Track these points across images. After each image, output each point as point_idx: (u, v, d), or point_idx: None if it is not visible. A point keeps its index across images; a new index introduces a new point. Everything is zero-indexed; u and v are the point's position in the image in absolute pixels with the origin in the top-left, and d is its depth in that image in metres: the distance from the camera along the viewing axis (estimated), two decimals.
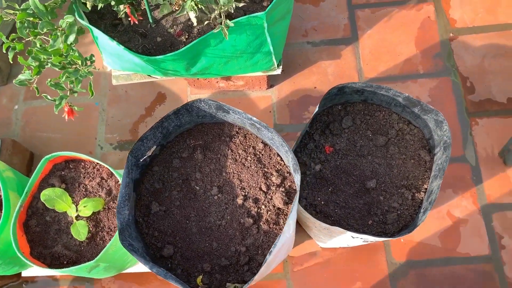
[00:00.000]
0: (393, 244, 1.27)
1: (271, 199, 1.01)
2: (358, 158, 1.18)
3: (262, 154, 1.05)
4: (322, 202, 1.15)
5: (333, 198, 1.15)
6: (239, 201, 1.01)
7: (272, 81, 1.49)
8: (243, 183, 1.03)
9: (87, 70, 1.02)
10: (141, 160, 0.98)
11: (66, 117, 1.03)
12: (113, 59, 1.31)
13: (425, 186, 1.13)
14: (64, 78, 0.94)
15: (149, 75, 1.36)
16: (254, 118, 0.93)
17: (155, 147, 1.00)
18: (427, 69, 1.45)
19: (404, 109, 1.16)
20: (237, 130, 1.07)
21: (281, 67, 1.35)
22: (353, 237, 1.05)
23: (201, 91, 1.50)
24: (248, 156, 1.05)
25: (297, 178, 0.92)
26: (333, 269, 1.26)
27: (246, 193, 1.02)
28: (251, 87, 1.46)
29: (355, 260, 1.26)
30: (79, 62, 0.94)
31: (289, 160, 0.98)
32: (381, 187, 1.15)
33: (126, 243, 0.87)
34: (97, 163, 1.08)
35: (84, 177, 1.07)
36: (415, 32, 1.50)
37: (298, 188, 0.91)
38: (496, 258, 1.23)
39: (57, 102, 1.03)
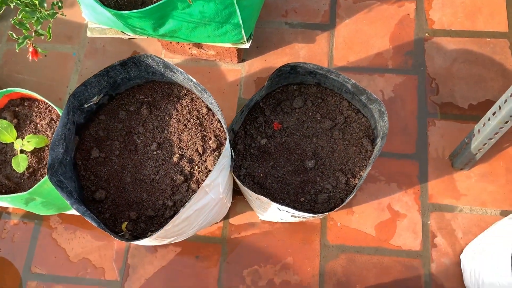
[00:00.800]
0: (330, 227, 1.31)
1: (205, 161, 1.05)
2: (303, 138, 1.22)
3: (205, 119, 1.09)
4: (261, 175, 1.19)
5: (272, 172, 1.19)
6: (175, 159, 1.06)
7: (244, 56, 1.52)
8: (182, 143, 1.07)
9: (48, 13, 1.06)
10: (85, 106, 1.02)
11: (30, 57, 1.07)
12: (89, 11, 1.35)
13: (361, 173, 1.16)
14: (20, 16, 0.99)
15: (122, 32, 1.40)
16: (195, 80, 0.97)
17: (101, 95, 1.04)
18: (396, 65, 1.47)
19: (353, 97, 1.19)
20: (185, 92, 1.11)
21: (250, 41, 1.38)
22: (279, 209, 1.09)
23: (174, 56, 1.53)
24: (191, 118, 1.09)
25: (227, 144, 0.96)
26: (268, 241, 1.31)
27: (183, 153, 1.06)
28: (222, 58, 1.50)
29: (291, 237, 1.30)
30: (37, 2, 0.98)
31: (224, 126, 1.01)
32: (319, 168, 1.19)
33: (55, 179, 0.91)
34: (50, 105, 1.12)
35: (36, 116, 1.12)
36: (392, 27, 1.52)
37: (225, 153, 0.95)
38: (426, 255, 1.26)
39: (20, 41, 1.07)
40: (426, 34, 1.50)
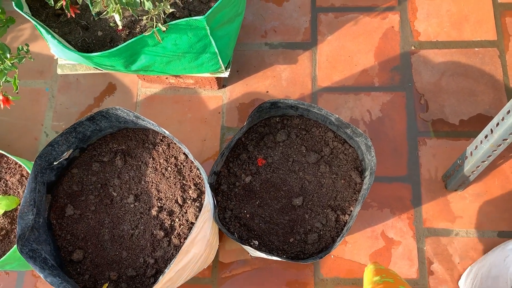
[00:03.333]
0: (323, 261, 1.26)
1: (185, 212, 1.00)
2: (289, 173, 1.17)
3: (183, 166, 1.04)
4: (248, 215, 1.14)
5: (259, 212, 1.14)
6: (154, 212, 1.01)
7: (225, 81, 1.46)
8: (160, 194, 1.02)
9: (12, 63, 1.00)
10: (55, 163, 0.96)
11: (1, 106, 1.01)
12: (57, 49, 1.28)
13: (351, 208, 1.11)
14: None
15: (95, 67, 1.33)
16: (167, 132, 0.91)
17: (71, 150, 0.98)
18: (382, 82, 1.41)
19: (338, 129, 1.13)
20: (161, 138, 1.05)
21: (229, 69, 1.32)
22: (267, 256, 1.04)
23: (152, 85, 1.47)
24: (168, 167, 1.03)
25: (207, 198, 0.90)
26: (260, 278, 1.26)
27: (162, 204, 1.01)
28: (202, 85, 1.43)
29: (284, 273, 1.26)
30: (2, 54, 0.92)
31: (204, 176, 0.96)
32: (307, 205, 1.14)
33: (26, 249, 0.86)
34: (17, 162, 1.07)
35: (5, 173, 1.06)
36: (376, 41, 1.46)
37: (207, 207, 0.90)
38: (423, 283, 1.22)
39: None
40: (412, 47, 1.44)
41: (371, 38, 1.46)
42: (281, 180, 1.16)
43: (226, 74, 1.31)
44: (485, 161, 1.15)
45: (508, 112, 1.03)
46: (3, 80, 1.01)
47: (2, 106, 1.00)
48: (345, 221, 1.10)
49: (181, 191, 1.01)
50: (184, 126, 1.42)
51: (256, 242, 1.07)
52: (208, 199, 0.90)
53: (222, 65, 1.29)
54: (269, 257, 1.02)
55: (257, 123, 1.19)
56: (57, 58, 1.36)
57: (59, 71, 1.34)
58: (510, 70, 1.39)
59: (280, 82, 1.44)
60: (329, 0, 1.52)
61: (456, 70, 1.40)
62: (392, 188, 1.31)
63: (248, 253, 1.28)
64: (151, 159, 1.03)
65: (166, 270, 0.83)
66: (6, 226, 1.03)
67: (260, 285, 1.26)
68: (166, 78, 1.41)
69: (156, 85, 1.47)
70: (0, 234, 1.01)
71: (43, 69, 1.53)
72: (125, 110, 0.93)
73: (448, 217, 1.27)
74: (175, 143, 1.04)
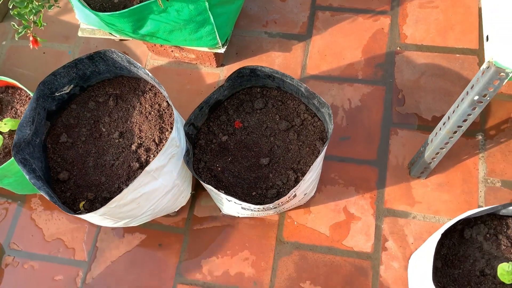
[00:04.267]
0: (287, 225, 1.37)
1: (160, 150, 1.14)
2: (262, 137, 1.29)
3: (165, 112, 1.19)
4: (219, 169, 1.27)
5: (230, 167, 1.27)
6: (134, 147, 1.15)
7: (224, 61, 1.62)
8: (141, 133, 1.17)
9: (39, 4, 1.18)
10: (56, 94, 1.13)
11: (31, 46, 1.18)
12: (80, 12, 1.48)
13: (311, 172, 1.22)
14: (11, 6, 1.10)
15: (110, 33, 1.52)
16: (150, 74, 1.07)
17: (72, 86, 1.15)
18: (366, 76, 1.53)
19: (309, 101, 1.26)
20: (150, 87, 1.21)
21: (226, 46, 1.47)
22: (228, 200, 1.17)
23: (159, 58, 1.64)
24: (152, 111, 1.18)
25: (174, 133, 1.04)
26: (228, 234, 1.38)
27: (142, 142, 1.16)
28: (202, 62, 1.60)
29: (249, 231, 1.37)
30: None
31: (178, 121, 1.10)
32: (273, 166, 1.26)
33: (19, 156, 1.02)
34: (29, 94, 1.25)
35: (17, 102, 1.24)
36: (365, 40, 1.59)
37: (172, 142, 1.04)
38: (376, 258, 1.31)
39: (20, 30, 1.20)
40: (398, 48, 1.56)
41: (361, 37, 1.59)
42: (254, 142, 1.29)
43: (222, 50, 1.47)
44: (443, 148, 1.25)
45: (462, 99, 1.13)
46: (33, 17, 1.19)
47: (31, 46, 1.18)
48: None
49: (159, 132, 1.15)
50: (182, 95, 1.57)
51: (222, 191, 1.19)
52: (176, 135, 1.04)
53: (220, 41, 1.45)
54: (230, 199, 1.14)
55: (239, 90, 1.33)
56: (80, 23, 1.56)
57: (79, 34, 1.53)
58: None
59: (273, 66, 1.58)
60: (328, 0, 1.67)
61: (435, 72, 1.51)
62: (360, 169, 1.41)
63: (220, 211, 1.40)
64: (138, 103, 1.19)
65: (130, 185, 0.96)
66: (10, 145, 1.20)
67: (226, 239, 1.37)
68: (172, 51, 1.59)
69: (163, 58, 1.64)
70: (4, 151, 1.18)
71: (69, 35, 1.74)
72: (120, 54, 1.10)
73: (408, 201, 1.36)
74: (160, 93, 1.19)
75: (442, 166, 1.38)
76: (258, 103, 1.31)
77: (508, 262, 0.99)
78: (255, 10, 1.68)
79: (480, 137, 1.41)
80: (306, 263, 1.32)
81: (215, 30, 1.40)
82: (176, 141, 1.06)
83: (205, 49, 1.48)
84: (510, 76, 1.01)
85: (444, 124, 1.20)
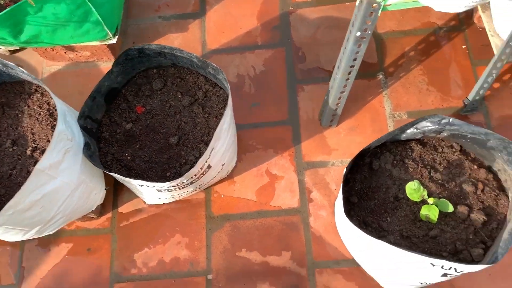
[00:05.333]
0: (214, 200, 1.36)
1: None
2: (167, 117, 1.27)
3: (55, 110, 1.14)
4: (129, 158, 1.24)
5: (140, 154, 1.24)
6: (29, 152, 1.10)
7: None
8: (35, 136, 1.12)
9: None
10: None
11: None
12: None
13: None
14: None
15: None
16: (26, 71, 1.02)
17: None
18: (265, 41, 1.55)
19: (206, 71, 1.25)
20: (36, 87, 1.16)
21: (117, 36, 1.44)
22: (140, 185, 1.14)
23: (55, 63, 1.58)
24: (41, 111, 1.13)
25: (59, 126, 1.00)
26: (156, 223, 1.35)
27: (36, 145, 1.11)
28: (99, 58, 1.55)
29: (177, 215, 1.35)
30: None
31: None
32: (184, 143, 1.24)
33: None
34: None
35: None
36: (258, 6, 1.60)
37: (61, 136, 1.00)
38: (304, 211, 1.33)
39: None
40: (290, 8, 1.58)
41: (254, 4, 1.60)
42: (160, 124, 1.27)
43: (114, 40, 1.43)
44: (343, 91, 1.28)
45: (348, 39, 1.16)
46: None
47: None
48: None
49: (52, 131, 1.11)
50: (85, 96, 1.51)
51: (131, 178, 1.16)
52: (65, 128, 1.00)
53: (109, 31, 1.41)
54: (151, 185, 1.11)
55: (135, 75, 1.30)
56: None
57: None
58: (378, 19, 1.53)
59: None
60: None
61: (329, 24, 1.54)
62: (274, 131, 1.43)
63: (144, 202, 1.37)
64: (26, 107, 1.13)
65: (22, 187, 0.92)
66: None
67: (155, 229, 1.34)
68: (65, 53, 1.53)
69: (59, 63, 1.58)
70: None
71: None
72: None
73: (325, 151, 1.39)
74: (47, 92, 1.14)
75: (350, 111, 1.42)
76: (156, 84, 1.28)
77: (412, 181, 1.03)
78: None
79: (380, 76, 1.46)
80: (239, 232, 1.32)
81: (101, 21, 1.36)
82: (67, 135, 1.02)
83: (97, 42, 1.44)
84: (382, 6, 1.05)
85: (338, 68, 1.23)
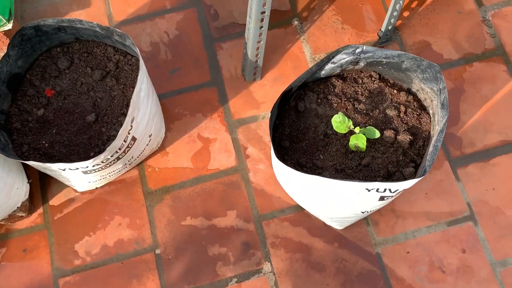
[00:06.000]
0: (149, 175, 1.31)
1: None
2: (80, 96, 1.20)
3: None
4: (47, 145, 1.15)
5: (58, 139, 1.16)
6: None
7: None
8: None
9: None
10: None
11: None
12: None
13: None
14: None
15: None
16: None
17: None
18: (173, 4, 1.48)
19: (112, 40, 1.18)
20: None
21: (12, 21, 1.32)
22: (62, 169, 1.07)
23: None
24: None
25: None
26: (92, 209, 1.28)
27: None
28: None
29: (113, 197, 1.29)
30: None
31: None
32: (103, 120, 1.18)
33: None
34: None
35: None
36: None
37: None
38: (242, 168, 1.31)
39: None
40: None
41: None
42: (74, 104, 1.19)
43: (10, 26, 1.32)
44: (260, 41, 1.25)
45: None
46: None
47: None
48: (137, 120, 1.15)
49: None
50: None
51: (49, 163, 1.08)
52: None
53: (2, 18, 1.29)
54: (73, 167, 1.04)
55: (37, 57, 1.21)
56: None
57: None
58: None
59: None
60: None
61: None
62: (199, 94, 1.39)
63: (76, 191, 1.30)
64: None
65: None
66: None
67: (92, 215, 1.28)
68: None
69: None
70: None
71: None
72: None
73: (253, 105, 1.37)
74: None
75: (272, 62, 1.40)
76: (62, 63, 1.20)
77: (337, 114, 1.04)
78: None
79: (296, 22, 1.45)
80: (180, 201, 1.29)
81: None
82: None
83: None
84: None
85: (250, 17, 1.20)
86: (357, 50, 1.06)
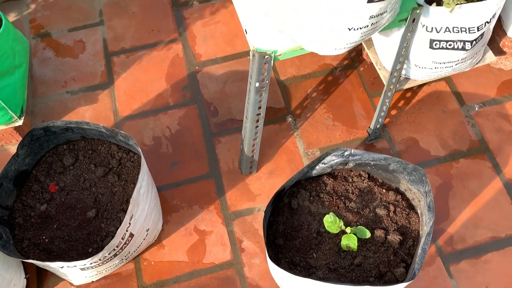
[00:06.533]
0: (145, 268, 1.32)
1: None
2: (82, 192, 1.25)
3: None
4: (47, 240, 1.18)
5: (58, 234, 1.19)
6: None
7: None
8: None
9: None
10: None
11: None
12: None
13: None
14: None
15: None
16: None
17: None
18: (176, 101, 1.58)
19: (116, 139, 1.25)
20: None
21: (23, 118, 1.41)
22: (60, 267, 1.09)
23: None
24: None
25: None
26: None
27: None
28: (8, 141, 1.50)
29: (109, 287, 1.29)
30: None
31: None
32: (103, 215, 1.21)
33: None
34: None
35: None
36: (165, 69, 1.64)
37: None
38: (237, 262, 1.32)
39: None
40: (197, 67, 1.65)
41: (161, 68, 1.65)
42: (76, 200, 1.23)
43: (20, 122, 1.40)
44: (256, 138, 1.33)
45: (249, 90, 1.22)
46: None
47: None
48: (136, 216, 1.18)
49: None
50: None
51: (49, 262, 1.10)
52: None
53: (14, 114, 1.38)
54: (72, 265, 1.06)
55: (44, 154, 1.27)
56: None
57: None
58: (280, 68, 1.64)
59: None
60: (119, 44, 1.70)
61: (235, 77, 1.62)
62: (197, 186, 1.44)
63: (72, 284, 1.30)
64: None
65: None
66: None
67: None
68: None
69: None
70: None
71: None
72: None
73: (249, 198, 1.41)
74: None
75: (267, 156, 1.47)
76: (67, 160, 1.26)
77: (328, 214, 1.08)
78: (50, 74, 1.64)
79: (290, 119, 1.54)
80: None
81: (4, 105, 1.33)
82: None
83: (2, 126, 1.40)
84: (273, 57, 1.13)
85: (246, 117, 1.29)
86: (346, 153, 1.13)
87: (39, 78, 1.64)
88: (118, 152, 1.28)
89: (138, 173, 1.25)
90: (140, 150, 1.15)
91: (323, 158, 1.14)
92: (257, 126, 1.29)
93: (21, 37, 1.49)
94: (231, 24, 1.73)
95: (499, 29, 1.47)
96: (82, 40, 1.71)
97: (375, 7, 1.00)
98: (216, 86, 1.61)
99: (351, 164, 1.17)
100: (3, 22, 1.34)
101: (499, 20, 1.46)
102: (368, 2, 0.97)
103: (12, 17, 1.77)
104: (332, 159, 1.14)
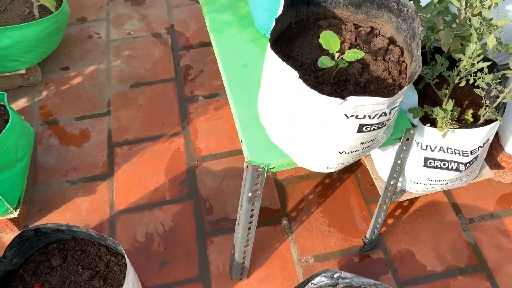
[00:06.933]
0: None
1: None
2: None
3: None
4: None
5: None
6: None
7: (27, 222, 1.55)
8: None
9: None
10: None
11: None
12: None
13: None
14: None
15: None
16: None
17: None
18: (173, 196, 1.59)
19: (106, 242, 1.25)
20: None
21: (19, 209, 1.42)
22: None
23: None
24: None
25: None
26: None
27: None
28: (2, 230, 1.50)
29: None
30: None
31: None
32: None
33: None
34: None
35: None
36: (165, 163, 1.67)
37: None
38: None
39: None
40: (196, 162, 1.67)
41: (161, 161, 1.68)
42: None
43: (15, 214, 1.41)
44: (247, 245, 1.31)
45: (242, 199, 1.22)
46: None
47: None
48: None
49: None
50: None
51: None
52: None
53: (10, 206, 1.40)
54: None
55: (34, 252, 1.26)
56: None
57: None
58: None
59: (80, 213, 1.56)
60: (124, 135, 1.74)
61: (233, 174, 1.63)
62: None
63: None
64: None
65: None
66: None
67: None
68: None
69: None
70: None
71: None
72: None
73: None
74: None
75: (260, 260, 1.44)
76: (56, 260, 1.25)
77: None
78: (53, 163, 1.68)
79: (285, 221, 1.53)
80: None
81: (1, 198, 1.35)
82: None
83: None
84: (267, 169, 1.15)
85: (238, 224, 1.28)
86: (336, 275, 1.10)
87: (41, 165, 1.67)
88: (107, 254, 1.26)
89: (124, 278, 1.23)
90: (127, 260, 1.13)
91: (313, 279, 1.11)
92: (248, 234, 1.28)
93: (27, 129, 1.54)
94: (233, 120, 1.77)
95: (496, 143, 1.48)
96: (88, 129, 1.76)
97: (366, 136, 1.02)
98: (214, 182, 1.62)
99: (341, 285, 1.13)
100: (10, 117, 1.39)
101: (497, 135, 1.47)
102: (357, 132, 0.99)
103: (23, 102, 1.84)
104: (322, 280, 1.11)
